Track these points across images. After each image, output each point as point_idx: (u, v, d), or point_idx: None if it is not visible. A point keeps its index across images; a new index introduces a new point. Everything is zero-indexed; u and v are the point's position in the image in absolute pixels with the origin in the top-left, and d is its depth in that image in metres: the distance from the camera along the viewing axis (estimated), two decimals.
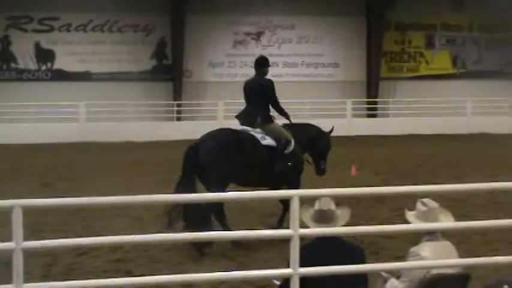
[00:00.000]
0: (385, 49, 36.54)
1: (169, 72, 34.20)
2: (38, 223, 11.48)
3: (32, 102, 30.69)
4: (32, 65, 33.48)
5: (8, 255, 5.32)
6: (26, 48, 33.38)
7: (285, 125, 12.08)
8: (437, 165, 20.56)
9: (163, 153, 24.19)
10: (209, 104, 33.34)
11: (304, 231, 5.87)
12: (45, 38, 33.51)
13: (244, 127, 11.70)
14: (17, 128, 29.47)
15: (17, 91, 32.33)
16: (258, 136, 11.49)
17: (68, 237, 6.89)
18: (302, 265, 5.71)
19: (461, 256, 6.46)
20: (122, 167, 21.06)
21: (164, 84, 34.18)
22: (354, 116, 33.65)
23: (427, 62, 37.57)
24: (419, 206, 6.42)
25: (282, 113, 12.18)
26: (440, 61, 37.59)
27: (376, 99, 35.43)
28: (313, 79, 35.61)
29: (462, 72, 37.65)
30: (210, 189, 10.67)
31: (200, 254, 10.34)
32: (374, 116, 35.04)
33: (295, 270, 5.70)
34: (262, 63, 12.07)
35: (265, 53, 34.44)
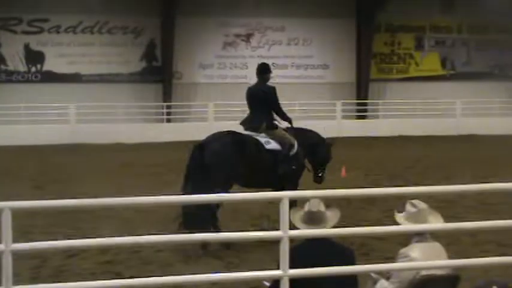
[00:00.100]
0: (375, 51, 36.62)
1: (159, 73, 34.19)
2: (28, 225, 11.45)
3: (22, 104, 30.62)
4: (22, 67, 33.41)
5: None
6: (16, 50, 33.31)
7: (286, 129, 12.16)
8: (427, 167, 20.60)
9: (153, 155, 24.22)
10: (199, 105, 33.33)
11: (293, 232, 5.88)
12: (35, 39, 33.44)
13: (249, 132, 11.78)
14: (7, 129, 29.37)
15: (7, 93, 32.25)
16: (263, 140, 11.60)
17: (57, 239, 6.88)
18: (292, 266, 5.72)
19: (450, 257, 6.47)
20: (111, 168, 21.03)
21: (154, 85, 34.16)
22: (344, 117, 33.70)
23: (416, 64, 37.67)
24: (408, 207, 6.43)
25: (285, 118, 12.24)
26: (430, 63, 37.69)
27: (365, 101, 35.49)
28: (303, 81, 35.63)
29: (451, 73, 37.77)
30: (213, 190, 10.70)
31: (203, 248, 10.44)
32: (364, 117, 35.09)
33: (285, 272, 5.71)
34: (263, 70, 12.13)
35: (254, 54, 35.04)
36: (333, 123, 31.07)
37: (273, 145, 11.60)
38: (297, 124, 12.67)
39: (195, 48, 34.63)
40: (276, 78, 32.96)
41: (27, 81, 33.34)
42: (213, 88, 34.58)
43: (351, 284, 6.10)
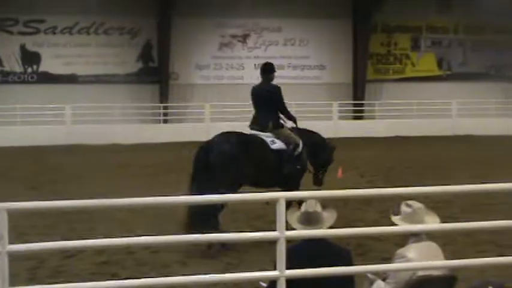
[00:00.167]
0: (371, 51, 36.64)
1: (156, 74, 34.16)
2: (24, 226, 11.44)
3: (18, 104, 30.60)
4: (18, 68, 33.35)
5: None
6: (12, 51, 33.24)
7: (291, 128, 12.23)
8: (424, 167, 20.61)
9: (149, 156, 24.20)
10: (196, 106, 33.32)
11: (290, 233, 5.87)
12: (31, 40, 33.39)
13: (255, 132, 11.84)
14: (3, 130, 29.31)
15: (3, 94, 32.21)
16: (268, 140, 11.67)
17: (53, 241, 6.86)
18: (289, 267, 5.71)
19: (447, 258, 6.47)
20: (108, 169, 21.01)
21: (150, 86, 34.13)
22: (340, 118, 33.72)
23: (413, 64, 37.69)
24: (404, 208, 6.43)
25: (290, 117, 12.31)
26: (426, 63, 37.72)
27: (362, 102, 35.50)
28: (299, 81, 35.60)
29: (448, 74, 37.80)
30: (219, 190, 10.75)
31: (209, 248, 10.49)
32: (360, 118, 35.09)
33: (282, 272, 5.70)
34: (268, 70, 12.19)
35: (251, 55, 35.04)
36: (329, 124, 31.07)
37: (278, 144, 11.68)
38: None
39: (191, 49, 34.60)
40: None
41: (23, 82, 33.28)
42: (209, 89, 34.59)
43: (348, 285, 6.10)
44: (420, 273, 6.12)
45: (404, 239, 6.42)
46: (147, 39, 34.43)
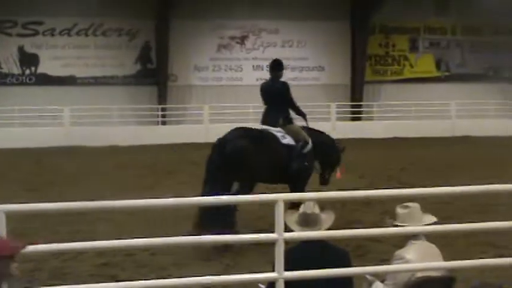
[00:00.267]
0: (370, 52, 36.65)
1: (154, 76, 34.16)
2: (23, 228, 11.41)
3: (16, 106, 30.59)
4: (16, 70, 33.33)
5: None
6: (10, 52, 33.23)
7: (302, 127, 12.33)
8: (422, 168, 20.60)
9: (148, 158, 24.17)
10: (194, 107, 33.33)
11: (288, 235, 5.88)
12: (29, 42, 33.37)
13: (265, 126, 11.95)
14: (1, 132, 29.27)
15: (1, 95, 32.20)
16: (279, 135, 11.78)
17: (53, 243, 6.85)
18: (287, 269, 5.71)
19: (446, 259, 6.48)
20: (106, 171, 21.01)
21: (149, 88, 34.11)
22: (339, 119, 33.67)
23: (411, 65, 37.70)
24: (399, 210, 6.43)
25: (299, 113, 12.51)
26: (424, 64, 37.74)
27: (360, 103, 35.50)
28: (297, 83, 35.34)
29: (446, 75, 37.82)
30: (239, 187, 10.89)
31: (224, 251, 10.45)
32: (358, 119, 35.09)
33: (280, 274, 5.71)
34: (276, 67, 12.39)
35: (249, 57, 35.05)
36: (327, 125, 30.96)
37: (288, 140, 11.79)
38: None
39: (189, 51, 34.59)
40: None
41: (22, 83, 33.27)
42: (208, 90, 34.59)
43: (346, 286, 6.10)
44: (419, 274, 6.12)
45: (404, 240, 6.43)
46: (146, 41, 34.42)
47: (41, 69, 33.49)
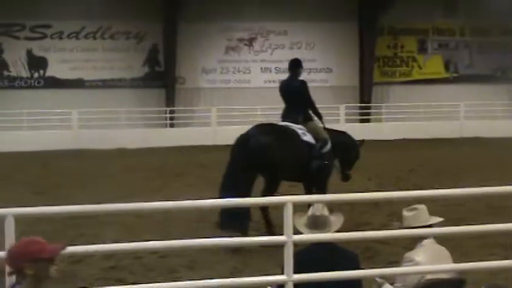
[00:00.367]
0: (378, 54, 36.59)
1: (162, 79, 34.18)
2: (30, 231, 11.41)
3: (25, 109, 30.65)
4: (25, 73, 33.43)
5: (0, 264, 5.28)
6: (18, 56, 33.33)
7: (324, 128, 12.50)
8: (431, 170, 20.54)
9: (155, 160, 24.18)
10: (202, 110, 33.34)
11: (297, 237, 5.85)
12: (38, 45, 33.46)
13: (287, 123, 12.01)
14: (9, 135, 29.35)
15: (9, 99, 32.28)
16: (300, 132, 11.87)
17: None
18: (296, 271, 5.69)
19: (456, 261, 6.44)
20: (114, 174, 21.01)
21: (157, 90, 34.14)
22: (347, 121, 33.60)
23: (419, 67, 37.63)
24: (405, 213, 6.40)
25: (316, 113, 12.68)
26: (433, 65, 37.66)
27: (369, 104, 35.46)
28: None
29: (455, 76, 37.74)
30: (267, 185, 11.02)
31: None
32: (367, 120, 35.06)
33: (289, 277, 5.69)
34: (295, 65, 12.72)
35: (257, 59, 35.04)
36: (336, 127, 30.75)
37: (308, 138, 11.88)
38: None
39: (197, 53, 34.60)
40: (279, 82, 33.24)
41: (30, 87, 33.35)
42: (216, 93, 34.60)
43: None
44: (429, 276, 6.09)
45: (413, 242, 6.39)
46: (154, 44, 34.46)
47: (49, 72, 33.57)
